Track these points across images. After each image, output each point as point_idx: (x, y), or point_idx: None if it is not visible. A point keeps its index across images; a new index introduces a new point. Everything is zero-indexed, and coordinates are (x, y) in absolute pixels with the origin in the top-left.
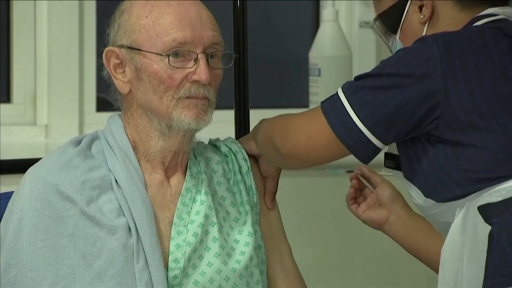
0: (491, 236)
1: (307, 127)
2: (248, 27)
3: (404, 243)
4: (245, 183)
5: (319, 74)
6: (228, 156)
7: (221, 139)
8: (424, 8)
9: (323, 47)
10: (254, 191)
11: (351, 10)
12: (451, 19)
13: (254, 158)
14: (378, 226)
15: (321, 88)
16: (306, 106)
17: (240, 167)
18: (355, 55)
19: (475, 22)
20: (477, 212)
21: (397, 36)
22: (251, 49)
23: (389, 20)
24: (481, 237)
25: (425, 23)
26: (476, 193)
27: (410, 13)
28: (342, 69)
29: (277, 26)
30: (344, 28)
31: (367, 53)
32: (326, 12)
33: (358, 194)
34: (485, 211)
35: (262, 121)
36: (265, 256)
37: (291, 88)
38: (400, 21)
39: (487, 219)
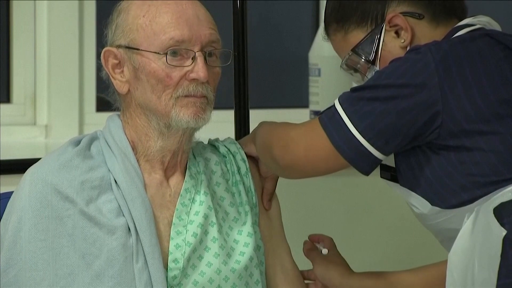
0: (505, 239)
1: (306, 140)
2: (248, 27)
3: None
4: (244, 184)
5: (319, 74)
6: (226, 157)
7: (220, 139)
8: (403, 33)
9: (323, 47)
10: (253, 192)
11: None
12: (429, 37)
13: (253, 159)
14: None
15: (321, 88)
16: (306, 106)
17: (239, 168)
18: None
19: (455, 33)
20: (490, 215)
21: (377, 67)
22: (251, 49)
23: (365, 52)
24: (494, 241)
25: (406, 47)
26: (484, 197)
27: (388, 41)
28: None
29: (277, 26)
30: None
31: None
32: None
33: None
34: (499, 212)
35: (262, 123)
36: (263, 257)
37: (291, 88)
38: (378, 50)
39: (500, 219)
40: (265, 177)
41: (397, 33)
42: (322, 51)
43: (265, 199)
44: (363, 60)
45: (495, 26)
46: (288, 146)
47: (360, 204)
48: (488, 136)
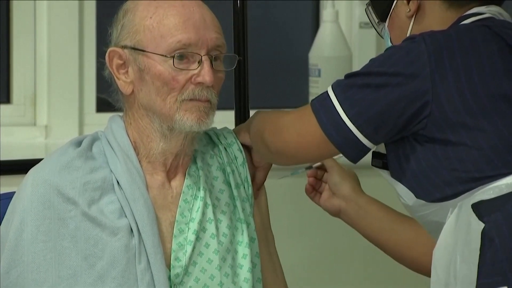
0: (483, 234)
1: (297, 125)
2: (248, 27)
3: (359, 230)
4: (239, 174)
5: (319, 75)
6: (219, 147)
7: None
8: (411, 2)
9: (323, 48)
10: (249, 182)
11: (351, 10)
12: (437, 17)
13: (246, 148)
14: (335, 215)
15: (321, 89)
16: None
17: (235, 158)
18: (355, 55)
19: (462, 21)
20: (470, 210)
21: (386, 24)
22: (251, 49)
23: (380, 8)
24: (474, 235)
25: (411, 17)
26: (467, 192)
27: (399, 5)
28: (342, 70)
29: (277, 26)
30: (344, 28)
31: (367, 53)
32: (326, 13)
33: (319, 185)
34: (478, 208)
35: (258, 112)
36: (258, 248)
37: (291, 88)
38: (389, 10)
39: (480, 217)
40: (258, 166)
41: (408, 0)
42: (322, 51)
43: (256, 188)
44: (374, 15)
45: (506, 17)
46: (280, 131)
47: None
48: (473, 131)
